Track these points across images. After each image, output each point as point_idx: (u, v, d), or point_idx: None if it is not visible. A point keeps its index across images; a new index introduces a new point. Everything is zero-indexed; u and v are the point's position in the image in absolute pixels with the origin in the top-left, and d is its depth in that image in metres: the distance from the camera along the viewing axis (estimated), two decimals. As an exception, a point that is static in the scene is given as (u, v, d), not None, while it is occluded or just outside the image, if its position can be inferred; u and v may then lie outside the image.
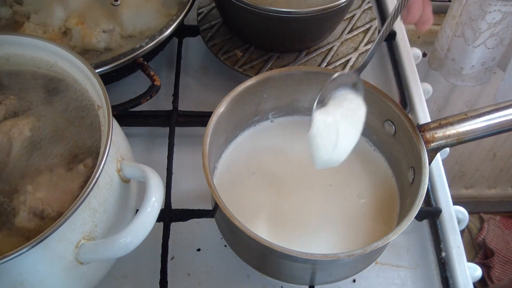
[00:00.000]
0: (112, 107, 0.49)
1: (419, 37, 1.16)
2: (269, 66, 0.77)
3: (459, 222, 0.68)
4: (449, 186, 0.70)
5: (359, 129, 0.55)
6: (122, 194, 0.50)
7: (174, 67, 0.78)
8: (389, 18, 0.56)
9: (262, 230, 0.57)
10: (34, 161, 0.50)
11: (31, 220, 0.46)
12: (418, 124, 0.58)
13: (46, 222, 0.46)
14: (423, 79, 1.15)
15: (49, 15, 0.70)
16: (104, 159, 0.44)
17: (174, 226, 0.64)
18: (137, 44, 0.69)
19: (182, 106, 0.74)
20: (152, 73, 0.69)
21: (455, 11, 0.99)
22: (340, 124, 0.54)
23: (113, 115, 0.48)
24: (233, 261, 0.62)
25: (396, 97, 0.80)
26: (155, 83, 0.68)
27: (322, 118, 0.54)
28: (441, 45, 1.07)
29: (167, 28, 0.71)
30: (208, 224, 0.65)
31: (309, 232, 0.58)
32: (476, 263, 0.66)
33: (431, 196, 0.69)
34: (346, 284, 0.62)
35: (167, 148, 0.68)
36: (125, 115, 0.70)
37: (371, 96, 0.61)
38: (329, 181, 0.62)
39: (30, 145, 0.51)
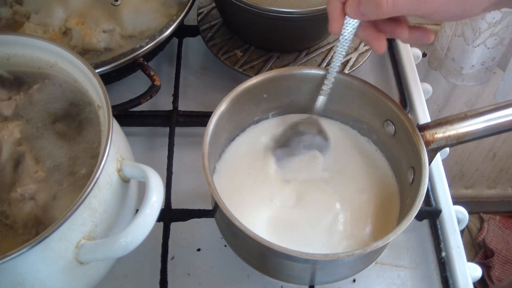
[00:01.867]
0: (112, 107, 0.49)
1: (419, 37, 1.16)
2: (269, 66, 0.77)
3: (459, 222, 0.68)
4: (449, 186, 0.70)
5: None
6: (122, 194, 0.50)
7: (174, 67, 0.78)
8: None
9: (262, 230, 0.57)
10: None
11: (25, 208, 0.47)
12: (418, 124, 0.58)
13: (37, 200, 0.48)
14: (423, 79, 1.15)
15: (49, 15, 0.70)
16: (104, 159, 0.44)
17: (174, 226, 0.64)
18: (137, 44, 0.69)
19: (182, 106, 0.74)
20: (152, 73, 0.69)
21: (455, 11, 0.99)
22: None
23: (113, 115, 0.48)
24: (233, 261, 0.62)
25: (396, 97, 0.80)
26: (155, 83, 0.68)
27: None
28: (441, 45, 1.07)
29: (167, 28, 0.71)
30: (208, 224, 0.65)
31: (309, 232, 0.58)
32: (476, 263, 0.66)
33: (431, 196, 0.69)
34: (346, 284, 0.62)
35: (167, 148, 0.68)
36: (125, 115, 0.70)
37: (371, 96, 0.61)
38: (329, 181, 0.62)
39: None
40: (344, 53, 0.56)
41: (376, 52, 0.54)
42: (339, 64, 0.58)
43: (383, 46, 0.53)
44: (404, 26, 0.53)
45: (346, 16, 0.52)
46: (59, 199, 0.48)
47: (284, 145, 0.62)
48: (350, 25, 0.53)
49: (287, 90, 0.63)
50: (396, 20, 0.53)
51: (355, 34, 0.54)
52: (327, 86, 0.60)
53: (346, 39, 0.54)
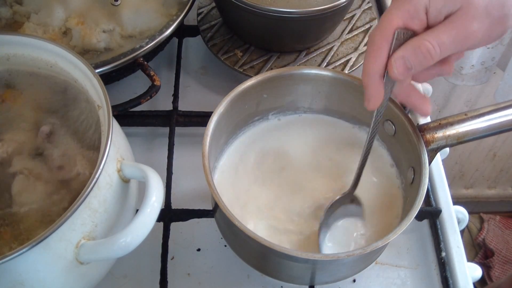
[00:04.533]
0: (112, 107, 0.49)
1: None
2: (269, 66, 0.77)
3: (459, 222, 0.68)
4: (449, 186, 0.70)
5: None
6: (122, 194, 0.50)
7: (174, 67, 0.78)
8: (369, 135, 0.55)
9: (262, 230, 0.57)
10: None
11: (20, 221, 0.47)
12: (418, 124, 0.58)
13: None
14: (423, 79, 1.15)
15: (49, 15, 0.70)
16: (104, 159, 0.44)
17: (174, 226, 0.64)
18: (137, 44, 0.69)
19: (182, 106, 0.74)
20: (152, 73, 0.69)
21: (455, 11, 0.99)
22: None
23: (113, 115, 0.48)
24: (233, 261, 0.62)
25: (396, 97, 0.80)
26: (155, 83, 0.68)
27: None
28: (441, 45, 1.07)
29: (167, 28, 0.71)
30: (208, 224, 0.65)
31: (309, 231, 0.58)
32: (476, 263, 0.66)
33: (431, 196, 0.69)
34: (346, 284, 0.62)
35: (167, 148, 0.68)
36: (125, 115, 0.70)
37: (371, 96, 0.61)
38: (329, 181, 0.62)
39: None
40: (378, 126, 0.53)
41: (424, 115, 0.52)
42: (373, 138, 0.55)
43: (429, 108, 0.51)
44: (449, 61, 0.50)
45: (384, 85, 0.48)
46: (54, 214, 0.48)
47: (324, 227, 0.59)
48: (386, 93, 0.49)
49: (287, 90, 0.63)
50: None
51: (399, 98, 0.51)
52: (362, 161, 0.57)
53: (382, 109, 0.52)
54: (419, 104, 0.51)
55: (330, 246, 0.57)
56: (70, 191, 0.49)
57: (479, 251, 1.58)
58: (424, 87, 0.82)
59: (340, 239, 0.58)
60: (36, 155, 0.51)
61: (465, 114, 0.56)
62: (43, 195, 0.48)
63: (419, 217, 0.67)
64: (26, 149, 0.51)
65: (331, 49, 0.80)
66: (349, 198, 0.59)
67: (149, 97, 0.67)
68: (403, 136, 0.58)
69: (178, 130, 0.71)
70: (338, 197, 0.58)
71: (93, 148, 0.51)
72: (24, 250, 0.40)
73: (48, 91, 0.55)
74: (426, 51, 0.45)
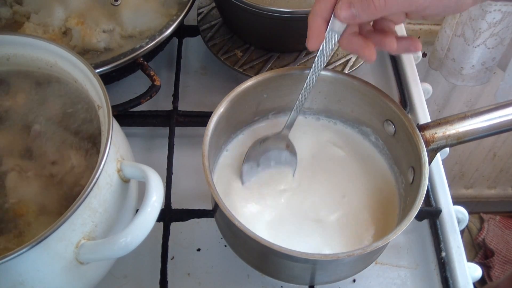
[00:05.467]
0: (112, 107, 0.49)
1: (419, 37, 1.16)
2: (269, 66, 0.77)
3: (459, 222, 0.68)
4: (449, 186, 0.70)
5: None
6: (122, 194, 0.50)
7: (174, 67, 0.78)
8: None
9: (262, 230, 0.57)
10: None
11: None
12: (418, 124, 0.58)
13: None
14: (423, 79, 1.15)
15: (49, 15, 0.70)
16: (104, 159, 0.44)
17: (174, 226, 0.64)
18: (137, 44, 0.69)
19: (182, 106, 0.74)
20: (152, 73, 0.69)
21: (455, 11, 0.99)
22: None
23: (113, 115, 0.48)
24: (233, 261, 0.62)
25: (396, 97, 0.80)
26: (155, 83, 0.68)
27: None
28: (441, 45, 1.07)
29: (167, 28, 0.71)
30: (208, 224, 0.65)
31: (309, 232, 0.58)
32: (476, 263, 0.66)
33: (431, 196, 0.69)
34: (346, 284, 0.62)
35: (167, 148, 0.68)
36: (125, 115, 0.70)
37: (371, 96, 0.61)
38: (329, 180, 0.62)
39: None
40: (320, 70, 0.55)
41: (367, 61, 0.51)
42: (313, 81, 0.56)
43: (373, 54, 0.50)
44: (392, 36, 0.51)
45: (327, 32, 0.50)
46: (48, 211, 0.48)
47: (252, 160, 0.61)
48: (330, 41, 0.51)
49: (287, 90, 0.63)
50: (383, 31, 0.51)
51: (343, 46, 0.52)
52: (300, 102, 0.57)
53: (324, 57, 0.53)
54: (361, 50, 0.51)
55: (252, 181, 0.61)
56: (64, 186, 0.49)
57: (479, 251, 1.58)
58: (424, 87, 0.82)
59: None
60: (28, 151, 0.51)
61: (465, 114, 0.57)
62: (38, 190, 0.48)
63: (419, 217, 0.67)
64: (19, 146, 0.51)
65: (331, 49, 0.80)
66: (285, 143, 0.60)
67: (149, 97, 0.67)
68: (403, 136, 0.58)
69: (178, 130, 0.71)
70: (271, 134, 0.60)
71: (89, 144, 0.51)
72: (24, 250, 0.40)
73: (47, 91, 0.55)
74: (371, 0, 0.46)
